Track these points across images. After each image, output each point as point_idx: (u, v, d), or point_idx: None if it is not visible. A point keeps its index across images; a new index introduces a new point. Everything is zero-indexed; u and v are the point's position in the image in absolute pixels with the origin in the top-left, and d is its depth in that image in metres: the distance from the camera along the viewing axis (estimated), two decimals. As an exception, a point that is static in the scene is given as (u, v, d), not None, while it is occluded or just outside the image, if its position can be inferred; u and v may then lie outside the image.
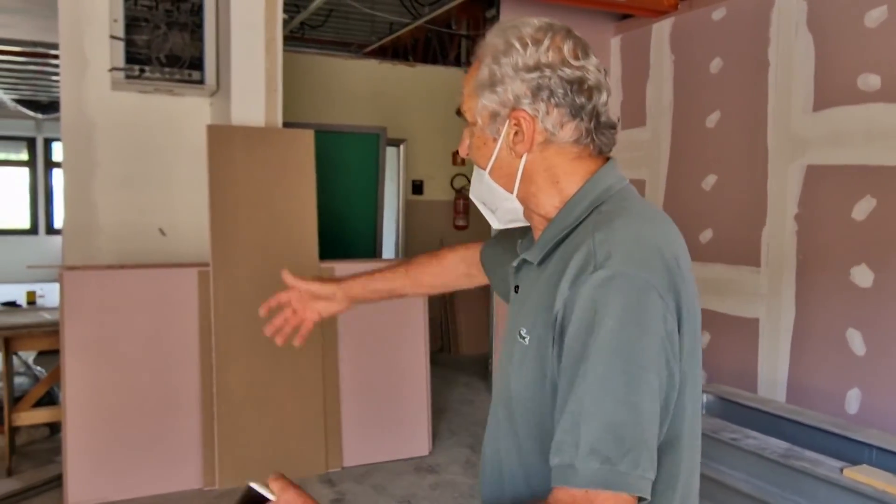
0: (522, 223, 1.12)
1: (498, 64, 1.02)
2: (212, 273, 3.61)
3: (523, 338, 1.01)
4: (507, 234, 1.28)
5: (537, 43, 1.01)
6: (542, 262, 1.04)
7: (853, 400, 3.43)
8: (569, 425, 0.87)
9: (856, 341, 3.42)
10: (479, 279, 1.46)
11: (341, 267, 3.96)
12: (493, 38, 1.05)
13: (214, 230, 3.64)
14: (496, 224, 1.14)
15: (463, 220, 7.02)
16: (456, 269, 1.49)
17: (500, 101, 1.03)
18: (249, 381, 3.66)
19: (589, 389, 0.86)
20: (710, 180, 4.30)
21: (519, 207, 1.09)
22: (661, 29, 4.66)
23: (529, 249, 1.07)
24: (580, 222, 1.01)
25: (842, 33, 3.52)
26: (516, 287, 1.12)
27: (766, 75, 3.92)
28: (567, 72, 1.01)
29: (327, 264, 3.92)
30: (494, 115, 1.04)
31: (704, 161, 4.34)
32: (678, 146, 4.55)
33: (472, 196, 1.16)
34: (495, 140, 1.05)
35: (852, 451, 2.67)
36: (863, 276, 3.41)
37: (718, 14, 4.23)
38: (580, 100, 1.02)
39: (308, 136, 3.92)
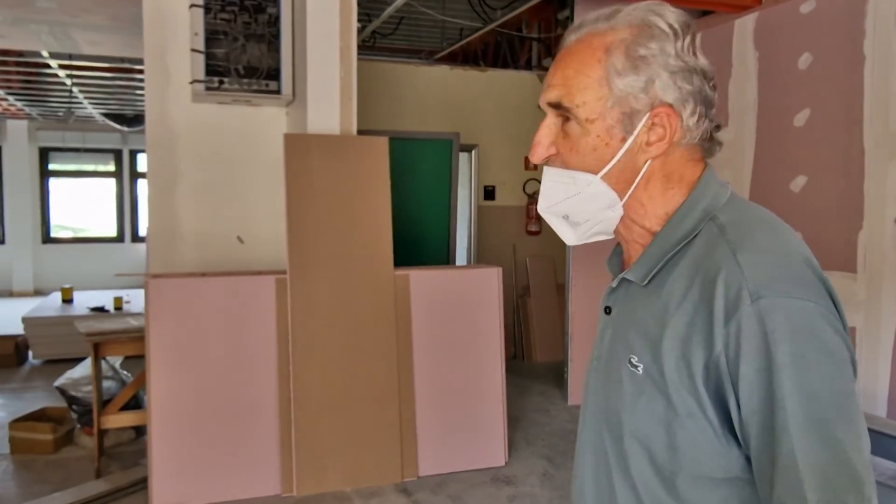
0: (607, 237, 1.01)
1: (646, 49, 0.90)
2: (289, 280, 3.65)
3: (636, 366, 0.92)
4: None
5: (686, 28, 0.92)
6: (649, 281, 0.94)
7: (964, 416, 3.18)
8: (788, 485, 0.79)
9: (967, 353, 3.18)
10: None
11: (415, 274, 3.95)
12: (624, 19, 0.92)
13: (291, 238, 3.67)
14: (574, 240, 1.01)
15: (536, 225, 6.92)
16: None
17: (644, 93, 0.90)
18: (326, 388, 3.67)
19: (786, 439, 0.79)
20: (799, 182, 4.09)
21: (616, 217, 0.97)
22: (744, 25, 4.46)
23: (632, 268, 0.96)
24: (695, 235, 0.92)
25: (947, 22, 3.29)
26: (607, 308, 1.02)
27: (862, 70, 3.70)
28: (703, 63, 0.93)
29: (402, 271, 3.90)
30: (631, 110, 0.91)
31: (793, 162, 4.13)
32: (763, 147, 4.34)
33: (546, 208, 1.00)
34: (624, 139, 0.92)
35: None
36: (974, 282, 3.16)
37: (807, 7, 4.02)
38: (712, 95, 0.94)
39: (382, 143, 3.92)
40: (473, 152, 6.76)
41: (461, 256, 6.79)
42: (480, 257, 6.70)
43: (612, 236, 1.02)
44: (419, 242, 6.19)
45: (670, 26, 0.91)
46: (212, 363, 3.58)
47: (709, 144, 0.97)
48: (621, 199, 0.96)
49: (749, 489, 0.87)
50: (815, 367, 0.79)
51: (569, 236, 1.01)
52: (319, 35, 3.88)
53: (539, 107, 0.98)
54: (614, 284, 1.02)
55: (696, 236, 0.92)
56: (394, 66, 6.61)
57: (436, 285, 4.02)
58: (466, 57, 8.04)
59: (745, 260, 0.84)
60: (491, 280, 4.06)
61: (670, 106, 0.91)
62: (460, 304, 4.01)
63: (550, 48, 7.15)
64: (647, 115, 0.91)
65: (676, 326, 0.87)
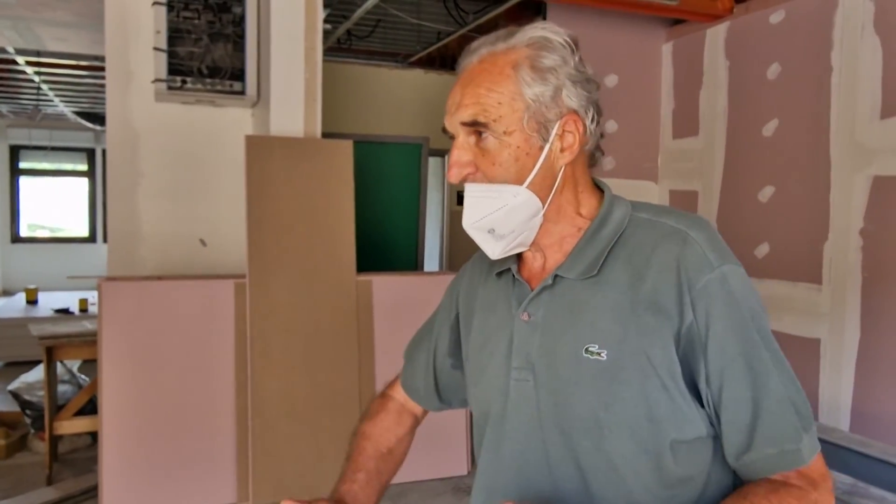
0: (524, 248, 1.04)
1: (550, 60, 0.97)
2: (248, 285, 3.57)
3: (597, 353, 0.95)
4: (428, 331, 1.31)
5: (576, 43, 1.00)
6: (595, 274, 0.99)
7: (925, 430, 3.17)
8: (774, 409, 0.92)
9: (928, 366, 3.17)
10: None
11: (379, 280, 3.88)
12: (522, 38, 0.98)
13: (251, 241, 3.60)
14: (498, 253, 1.02)
15: (509, 231, 6.89)
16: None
17: (553, 102, 0.96)
18: (284, 396, 3.60)
19: (770, 377, 0.93)
20: (767, 192, 4.08)
21: (537, 225, 1.02)
22: (716, 34, 4.46)
23: (565, 267, 1.00)
24: (624, 228, 1.01)
25: (912, 35, 3.29)
26: (525, 313, 1.03)
27: (830, 81, 3.69)
28: (591, 73, 1.01)
29: (364, 277, 3.84)
30: (545, 119, 0.97)
31: (761, 172, 4.12)
32: (733, 156, 4.33)
33: (472, 224, 1.01)
34: (541, 148, 0.97)
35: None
36: (936, 296, 3.16)
37: (776, 17, 4.02)
38: (599, 105, 1.01)
39: (347, 147, 3.86)
40: (446, 157, 6.71)
41: (433, 262, 6.74)
42: (453, 263, 6.64)
43: (528, 247, 1.04)
44: (386, 248, 6.13)
45: (565, 41, 0.99)
46: (167, 368, 3.49)
47: (598, 152, 1.05)
48: (543, 207, 1.00)
49: (712, 444, 0.98)
50: (764, 317, 0.96)
51: (494, 250, 1.02)
52: (284, 35, 3.81)
53: (444, 130, 1.02)
54: (536, 291, 1.02)
55: (625, 229, 1.00)
56: (367, 68, 6.56)
57: (400, 291, 3.96)
58: (444, 61, 8.00)
59: (697, 237, 0.96)
60: (456, 287, 4.00)
61: (576, 113, 0.98)
62: (425, 310, 3.90)
63: (526, 54, 7.14)
64: (559, 122, 0.97)
65: (641, 306, 0.94)
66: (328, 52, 6.79)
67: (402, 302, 3.92)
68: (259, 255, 3.60)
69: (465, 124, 0.98)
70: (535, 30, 0.98)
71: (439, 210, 6.80)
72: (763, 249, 4.07)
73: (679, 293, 0.93)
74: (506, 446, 1.04)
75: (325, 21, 6.07)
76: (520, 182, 0.97)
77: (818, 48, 3.76)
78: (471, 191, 1.00)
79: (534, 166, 0.97)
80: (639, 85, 4.98)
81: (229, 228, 4.22)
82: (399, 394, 1.35)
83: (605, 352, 0.95)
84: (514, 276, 1.07)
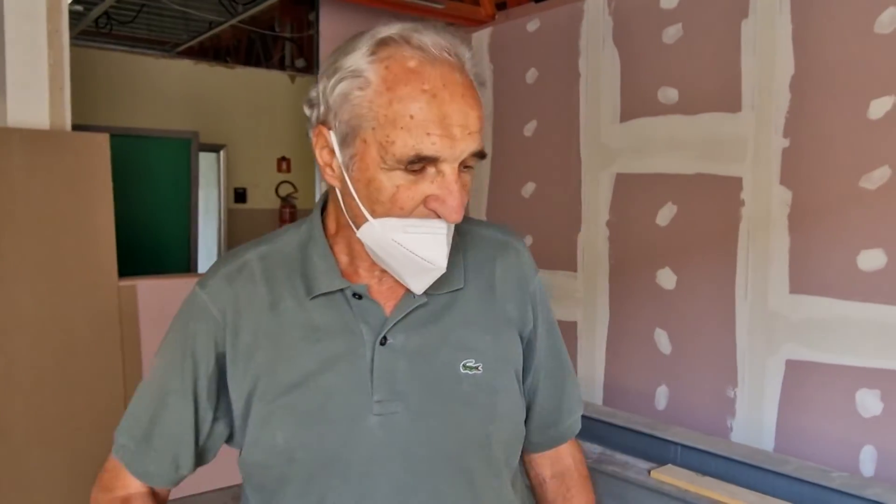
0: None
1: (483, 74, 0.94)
2: (-16, 296, 3.15)
3: (474, 368, 0.93)
4: (161, 399, 1.00)
5: None
6: (462, 287, 0.97)
7: (661, 397, 3.61)
8: (570, 387, 1.10)
9: (662, 341, 3.61)
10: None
11: (145, 284, 3.62)
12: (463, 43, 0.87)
13: (-13, 247, 3.17)
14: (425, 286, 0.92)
15: (290, 229, 6.75)
16: None
17: None
18: (34, 419, 3.22)
19: (563, 354, 1.09)
20: (529, 188, 4.39)
21: None
22: (481, 38, 4.71)
23: (448, 279, 0.92)
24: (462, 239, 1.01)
25: (643, 48, 3.71)
26: (384, 339, 0.91)
27: (578, 86, 4.06)
28: None
29: (128, 281, 3.56)
30: None
31: (524, 169, 4.43)
32: (499, 155, 4.61)
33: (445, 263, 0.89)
34: None
35: (660, 449, 2.78)
36: (667, 278, 3.60)
37: (533, 25, 4.34)
38: None
39: (102, 141, 3.54)
40: (222, 153, 6.42)
41: (209, 262, 6.42)
42: (232, 263, 6.37)
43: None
44: (156, 249, 5.74)
45: None
46: None
47: None
48: None
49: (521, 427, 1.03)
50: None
51: (426, 284, 0.90)
52: (20, 15, 3.40)
53: (418, 159, 0.80)
54: (412, 308, 0.92)
55: (462, 239, 1.01)
56: (131, 56, 6.08)
57: (171, 295, 3.70)
58: (218, 52, 7.64)
59: (521, 247, 1.05)
60: (231, 288, 3.84)
61: None
62: (198, 315, 3.75)
63: (303, 48, 7.03)
64: None
65: (498, 315, 0.98)
66: (84, 36, 6.19)
67: (175, 307, 3.68)
68: (-3, 263, 3.19)
69: (474, 155, 0.83)
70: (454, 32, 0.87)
71: (216, 208, 6.50)
72: (528, 241, 4.38)
73: (522, 300, 1.00)
74: (377, 500, 0.88)
75: (78, 2, 5.52)
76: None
77: (568, 56, 4.11)
78: (450, 231, 0.87)
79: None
80: (413, 84, 5.10)
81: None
82: (135, 488, 1.03)
83: (481, 365, 0.93)
84: (358, 297, 0.92)
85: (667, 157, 3.59)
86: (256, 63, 7.18)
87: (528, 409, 1.04)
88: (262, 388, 0.91)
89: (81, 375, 3.33)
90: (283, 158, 6.71)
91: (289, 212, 6.70)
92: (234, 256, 1.00)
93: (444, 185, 0.81)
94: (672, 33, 3.56)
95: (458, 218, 0.83)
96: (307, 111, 0.89)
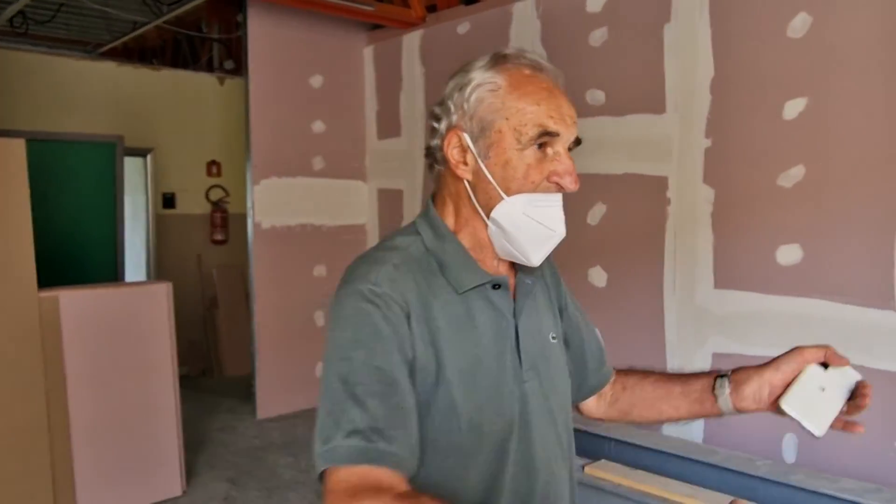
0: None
1: None
2: None
3: (555, 338, 1.16)
4: (392, 385, 0.99)
5: None
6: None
7: (595, 392, 3.68)
8: (601, 343, 1.31)
9: (595, 337, 3.68)
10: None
11: (68, 295, 3.48)
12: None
13: None
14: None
15: (221, 234, 6.59)
16: None
17: None
18: (-52, 439, 3.06)
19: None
20: (463, 189, 4.42)
21: None
22: (412, 41, 4.71)
23: (531, 271, 1.14)
24: None
25: (571, 50, 3.77)
26: (517, 320, 1.12)
27: (509, 88, 4.10)
28: None
29: (49, 292, 3.41)
30: None
31: (457, 170, 4.45)
32: (433, 156, 4.62)
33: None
34: None
35: (593, 444, 2.83)
36: (598, 276, 3.67)
37: (463, 28, 4.36)
38: None
39: (18, 146, 3.38)
40: (148, 157, 6.24)
41: (138, 270, 6.23)
42: (161, 270, 6.20)
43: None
44: (79, 259, 5.53)
45: None
46: None
47: None
48: None
49: None
50: None
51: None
52: (-75, 15, 3.23)
53: (549, 133, 1.04)
54: (529, 289, 1.14)
55: None
56: (49, 58, 5.85)
57: (96, 306, 3.59)
58: (143, 54, 7.41)
59: None
60: (159, 296, 3.73)
61: None
62: (125, 325, 3.62)
63: (231, 50, 6.89)
64: None
65: (551, 296, 1.21)
66: (-5, 36, 5.93)
67: (101, 318, 3.56)
68: None
69: (575, 143, 1.08)
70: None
71: (143, 214, 6.30)
72: (462, 242, 4.41)
73: (554, 275, 1.23)
74: (535, 449, 1.09)
75: (-12, 1, 5.28)
76: None
77: (499, 58, 4.15)
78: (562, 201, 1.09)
79: None
80: (344, 87, 5.07)
81: None
82: (398, 483, 0.93)
83: (554, 335, 1.16)
84: (496, 286, 1.09)
85: (596, 157, 3.66)
86: (184, 65, 7.00)
87: (583, 358, 1.25)
88: (445, 374, 1.02)
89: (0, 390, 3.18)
90: (213, 162, 6.56)
91: (220, 216, 6.55)
92: (377, 263, 1.04)
93: (562, 161, 1.05)
94: (598, 36, 3.64)
95: (576, 186, 1.07)
96: (434, 124, 1.10)
